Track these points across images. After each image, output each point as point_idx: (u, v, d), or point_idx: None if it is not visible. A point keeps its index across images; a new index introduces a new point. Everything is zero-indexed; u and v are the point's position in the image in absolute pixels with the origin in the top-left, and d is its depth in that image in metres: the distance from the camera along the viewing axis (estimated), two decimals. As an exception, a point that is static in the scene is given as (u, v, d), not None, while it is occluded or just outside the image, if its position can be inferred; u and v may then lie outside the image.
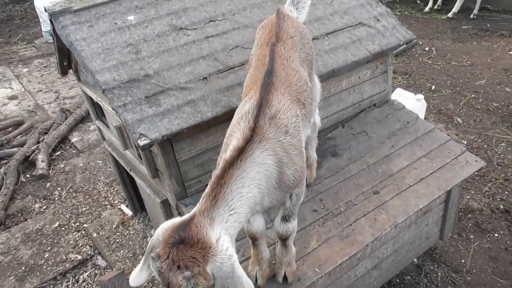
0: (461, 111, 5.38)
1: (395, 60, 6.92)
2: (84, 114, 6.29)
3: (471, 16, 8.59)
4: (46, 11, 2.41)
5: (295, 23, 2.14)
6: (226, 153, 1.56)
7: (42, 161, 5.21)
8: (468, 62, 6.50)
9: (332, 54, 2.65)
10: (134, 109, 2.11)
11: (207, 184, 2.46)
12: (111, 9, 2.51)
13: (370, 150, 2.76)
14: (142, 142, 2.01)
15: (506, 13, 8.58)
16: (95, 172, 5.13)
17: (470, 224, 3.81)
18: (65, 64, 3.22)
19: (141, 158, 2.60)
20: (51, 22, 2.45)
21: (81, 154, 5.57)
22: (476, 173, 4.29)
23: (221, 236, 1.37)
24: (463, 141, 4.79)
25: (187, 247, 1.29)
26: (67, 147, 5.79)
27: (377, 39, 2.76)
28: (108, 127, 3.21)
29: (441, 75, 6.28)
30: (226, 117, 2.31)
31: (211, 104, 2.23)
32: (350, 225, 2.32)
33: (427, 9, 9.34)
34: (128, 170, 3.13)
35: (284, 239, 2.01)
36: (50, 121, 6.25)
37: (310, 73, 2.19)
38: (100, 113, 3.35)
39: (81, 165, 5.32)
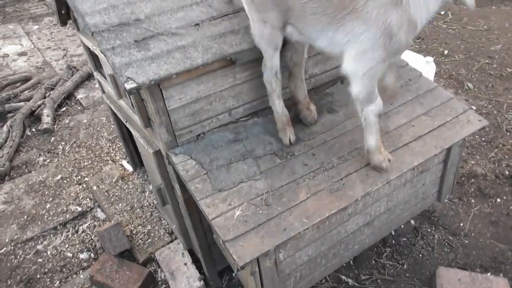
0: (473, 76, 5.21)
1: (409, 24, 6.68)
2: (90, 72, 6.26)
3: (493, -21, 8.17)
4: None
5: None
6: None
7: (47, 116, 5.25)
8: (485, 27, 6.24)
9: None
10: (122, 53, 2.07)
11: (198, 135, 2.45)
12: (103, -49, 2.41)
13: (369, 107, 2.68)
14: (129, 85, 1.97)
15: (531, -24, 8.14)
16: (98, 128, 5.16)
17: (472, 189, 3.75)
18: (63, 12, 3.16)
19: (134, 107, 2.57)
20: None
21: (85, 110, 5.60)
22: (483, 138, 4.21)
23: None
24: (473, 107, 4.66)
25: None
26: (73, 103, 5.82)
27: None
28: (105, 77, 3.17)
29: (455, 39, 6.06)
30: (218, 65, 2.26)
31: (202, 51, 2.17)
32: (341, 179, 2.29)
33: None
34: (124, 122, 3.11)
35: None
36: (57, 78, 6.26)
37: None
38: (98, 64, 3.31)
39: (85, 121, 5.35)
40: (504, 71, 5.21)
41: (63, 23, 3.30)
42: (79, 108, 5.70)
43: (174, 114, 2.28)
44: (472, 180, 3.81)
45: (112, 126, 5.06)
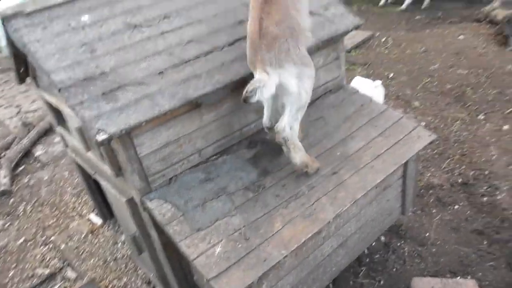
0: (418, 95, 5.62)
1: (354, 52, 7.14)
2: (48, 127, 6.17)
3: (423, 7, 8.96)
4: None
5: None
6: None
7: (4, 177, 5.09)
8: (422, 49, 6.78)
9: (284, 43, 2.73)
10: (91, 106, 2.13)
11: (171, 178, 2.51)
12: (65, 11, 2.51)
13: (328, 135, 2.86)
14: (100, 137, 2.03)
15: (455, 1, 8.99)
16: (61, 184, 5.06)
17: (432, 200, 3.98)
18: (21, 71, 3.19)
19: (103, 158, 2.60)
20: (4, 26, 2.44)
21: (46, 167, 5.47)
22: (435, 151, 4.52)
23: None
24: (422, 123, 5.00)
25: None
26: (31, 160, 5.68)
27: (326, 26, 2.87)
28: (69, 131, 3.19)
29: (398, 63, 6.53)
30: (184, 109, 2.37)
31: (168, 97, 2.27)
32: (312, 204, 2.41)
33: (382, 3, 9.69)
34: (92, 174, 3.11)
35: None
36: (12, 136, 6.11)
37: None
38: (61, 119, 3.32)
39: (46, 178, 5.23)
40: (444, 87, 5.66)
41: (22, 80, 3.32)
42: (38, 165, 5.56)
43: (145, 161, 2.34)
44: (431, 191, 4.06)
45: (76, 180, 4.98)
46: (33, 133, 6.04)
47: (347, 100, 3.11)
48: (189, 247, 2.21)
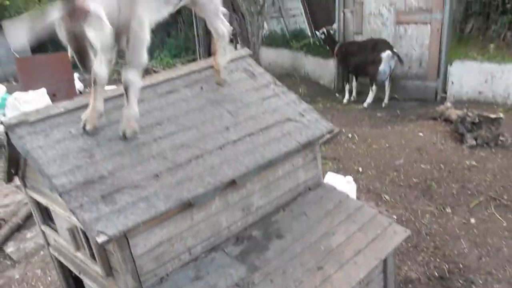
0: (387, 188, 5.96)
1: (324, 148, 7.59)
2: (21, 222, 6.04)
3: (383, 105, 9.81)
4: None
5: None
6: None
7: (-27, 277, 4.85)
8: (386, 145, 7.31)
9: (267, 147, 3.01)
10: (91, 209, 2.25)
11: (162, 278, 2.56)
12: (65, 119, 2.73)
13: (310, 230, 3.03)
14: (100, 239, 2.12)
15: (411, 100, 9.93)
16: (33, 283, 4.86)
17: (411, 294, 4.08)
18: (12, 171, 3.29)
19: (93, 258, 2.65)
20: (6, 135, 2.61)
21: (17, 264, 5.27)
22: (409, 244, 4.71)
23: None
24: (394, 216, 5.26)
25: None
26: (1, 258, 5.46)
27: (303, 131, 3.20)
28: (57, 231, 3.21)
29: (365, 157, 6.98)
30: (179, 209, 2.52)
31: (163, 199, 2.43)
32: (301, 301, 2.49)
33: (345, 101, 10.54)
34: (77, 274, 3.09)
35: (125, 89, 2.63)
36: (-18, 233, 5.91)
37: None
38: (47, 218, 3.36)
39: (17, 277, 5.02)
40: (410, 181, 6.05)
41: (10, 180, 3.40)
42: (9, 263, 5.35)
43: (139, 260, 2.41)
44: (410, 285, 4.17)
45: (49, 278, 4.81)
46: (5, 229, 5.88)
47: (326, 197, 3.34)
48: None
